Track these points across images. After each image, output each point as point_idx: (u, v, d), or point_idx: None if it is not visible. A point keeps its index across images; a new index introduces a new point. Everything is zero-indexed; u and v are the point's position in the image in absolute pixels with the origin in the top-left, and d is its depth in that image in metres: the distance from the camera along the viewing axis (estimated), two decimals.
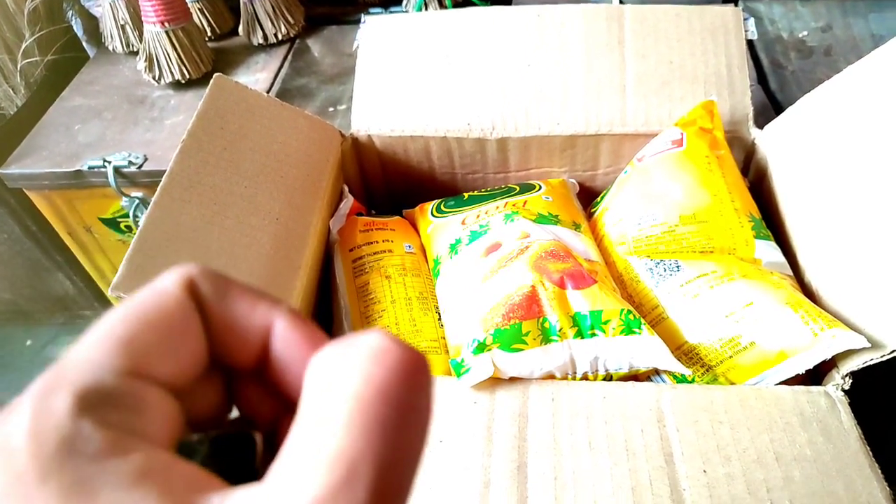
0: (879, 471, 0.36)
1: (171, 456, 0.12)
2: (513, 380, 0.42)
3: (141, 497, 0.11)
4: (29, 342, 1.14)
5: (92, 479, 0.11)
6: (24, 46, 0.88)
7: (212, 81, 0.52)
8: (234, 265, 0.45)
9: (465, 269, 0.50)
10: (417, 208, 0.61)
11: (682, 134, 0.54)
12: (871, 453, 0.37)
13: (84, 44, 0.99)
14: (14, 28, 0.88)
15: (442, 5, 0.88)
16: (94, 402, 0.12)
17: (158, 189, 0.45)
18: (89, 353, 0.13)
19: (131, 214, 0.77)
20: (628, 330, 0.42)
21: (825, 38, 0.79)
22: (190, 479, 0.12)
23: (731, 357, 0.43)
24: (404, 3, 0.91)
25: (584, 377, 0.43)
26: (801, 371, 0.41)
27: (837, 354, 0.41)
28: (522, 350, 0.42)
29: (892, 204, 0.42)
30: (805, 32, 0.80)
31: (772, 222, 0.54)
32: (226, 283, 0.15)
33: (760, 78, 0.74)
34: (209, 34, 0.90)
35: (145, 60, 0.81)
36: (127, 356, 0.13)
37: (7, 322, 1.15)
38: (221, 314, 0.15)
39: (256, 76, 0.84)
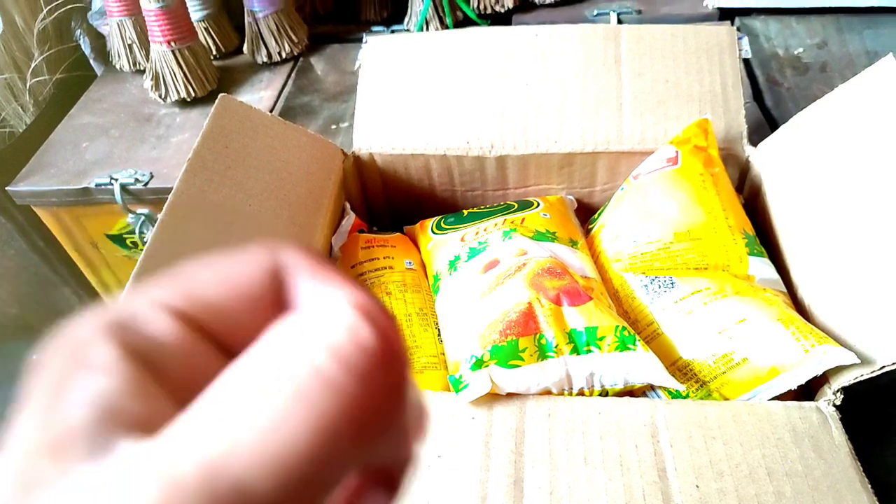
0: (869, 486, 0.37)
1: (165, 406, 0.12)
2: (510, 395, 0.43)
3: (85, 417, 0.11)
4: (35, 357, 1.15)
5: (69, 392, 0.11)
6: (33, 65, 0.89)
7: (217, 101, 0.53)
8: None
9: (463, 286, 0.51)
10: (418, 225, 0.62)
11: (676, 152, 0.55)
12: (861, 469, 0.38)
13: (91, 62, 1.01)
14: (23, 47, 0.90)
15: (443, 24, 0.89)
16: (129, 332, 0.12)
17: (165, 207, 0.46)
18: (153, 290, 0.13)
19: (137, 231, 0.78)
20: (623, 346, 0.43)
21: (820, 54, 0.80)
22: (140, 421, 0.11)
23: (724, 373, 0.43)
24: (406, 21, 0.92)
25: (580, 393, 0.44)
26: (793, 387, 0.41)
27: (829, 370, 0.41)
28: (519, 366, 0.43)
29: (884, 221, 0.43)
30: (801, 49, 0.81)
31: (766, 239, 0.54)
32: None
33: (756, 95, 0.75)
34: (214, 53, 0.92)
35: (152, 79, 0.83)
36: (189, 302, 0.13)
37: (13, 337, 1.16)
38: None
39: (261, 94, 0.86)
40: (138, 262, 0.43)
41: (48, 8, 0.89)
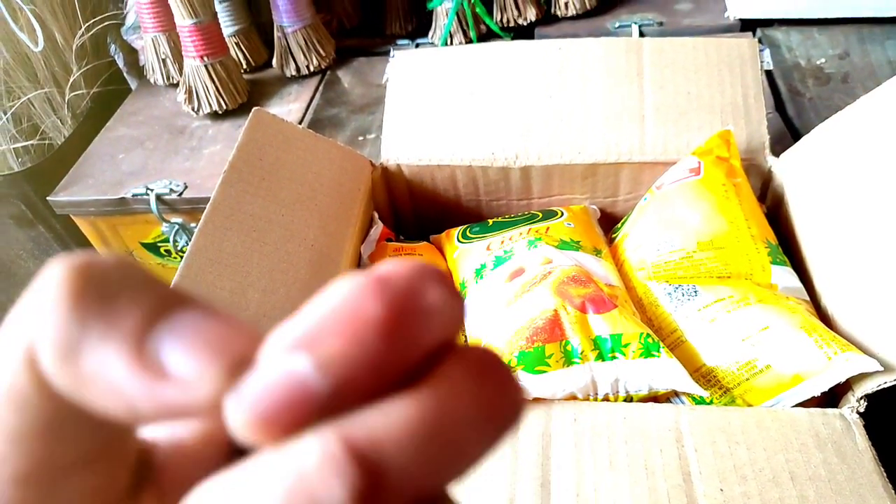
0: (893, 491, 0.37)
1: None
2: (536, 400, 0.44)
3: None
4: None
5: None
6: (71, 80, 0.93)
7: (251, 115, 0.55)
8: (272, 289, 0.48)
9: (489, 294, 0.52)
10: (444, 234, 0.64)
11: (699, 163, 0.56)
12: (885, 474, 0.38)
13: (126, 76, 1.04)
14: (62, 63, 0.93)
15: (467, 37, 0.91)
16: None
17: (202, 217, 0.48)
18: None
19: (171, 239, 0.81)
20: (647, 353, 0.44)
21: (842, 65, 0.80)
22: None
23: (747, 380, 0.44)
24: (430, 35, 0.94)
25: (605, 398, 0.45)
26: (816, 394, 0.42)
27: (852, 377, 0.42)
28: (546, 372, 0.44)
29: None
30: (822, 60, 0.81)
31: (788, 248, 0.55)
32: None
33: (778, 105, 0.76)
34: (245, 67, 0.94)
35: (185, 92, 0.86)
36: None
37: None
38: None
39: (289, 107, 0.88)
40: (179, 268, 0.45)
41: (86, 25, 0.92)
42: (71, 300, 0.10)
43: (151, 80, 0.94)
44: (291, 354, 0.10)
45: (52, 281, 0.11)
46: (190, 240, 0.47)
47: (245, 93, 0.88)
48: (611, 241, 0.61)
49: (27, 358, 0.10)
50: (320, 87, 0.92)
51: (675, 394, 0.46)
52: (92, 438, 0.12)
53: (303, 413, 0.10)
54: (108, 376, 0.10)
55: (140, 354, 0.10)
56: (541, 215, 0.60)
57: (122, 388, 0.10)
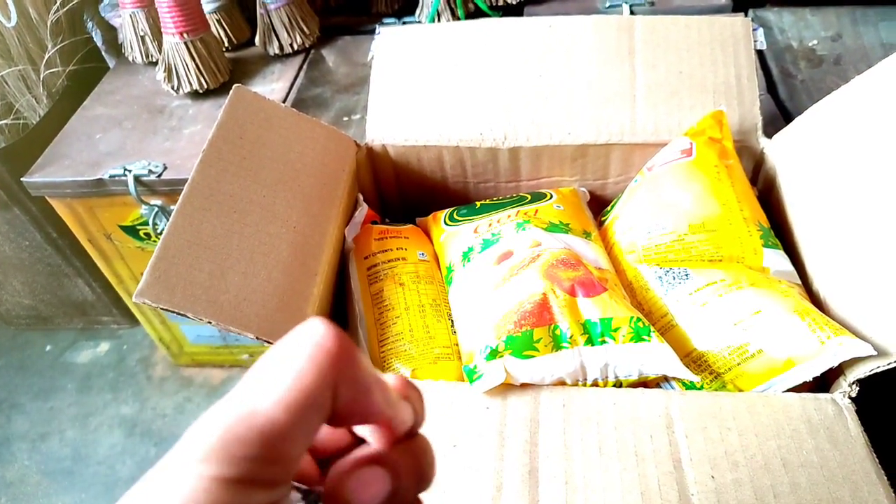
0: (885, 477, 0.37)
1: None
2: (524, 386, 0.43)
3: None
4: (49, 347, 1.16)
5: None
6: (46, 57, 0.90)
7: (231, 92, 0.53)
8: (253, 272, 0.46)
9: (477, 277, 0.51)
10: (431, 217, 0.62)
11: (691, 143, 0.55)
12: (877, 460, 0.38)
13: (104, 54, 1.01)
14: (37, 39, 0.90)
15: (455, 16, 0.89)
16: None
17: (180, 198, 0.46)
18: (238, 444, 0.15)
19: (150, 222, 0.79)
20: (637, 337, 0.43)
21: (835, 47, 0.79)
22: None
23: (739, 364, 0.43)
24: (417, 13, 0.92)
25: (595, 383, 0.44)
26: (809, 378, 0.41)
27: (844, 362, 0.41)
28: (534, 357, 0.43)
29: None
30: (815, 41, 0.80)
31: (781, 231, 0.54)
32: (364, 386, 0.17)
33: (770, 87, 0.75)
34: (226, 44, 0.92)
35: (164, 71, 0.83)
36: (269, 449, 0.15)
37: (27, 327, 1.18)
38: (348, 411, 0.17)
39: (272, 86, 0.86)
40: (155, 251, 0.43)
41: (61, 0, 0.89)
42: None
43: (130, 58, 0.91)
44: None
45: None
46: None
47: (227, 71, 0.86)
48: (601, 224, 0.60)
49: None
50: (304, 66, 0.90)
51: (666, 379, 0.45)
52: None
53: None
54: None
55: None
56: (529, 197, 0.59)
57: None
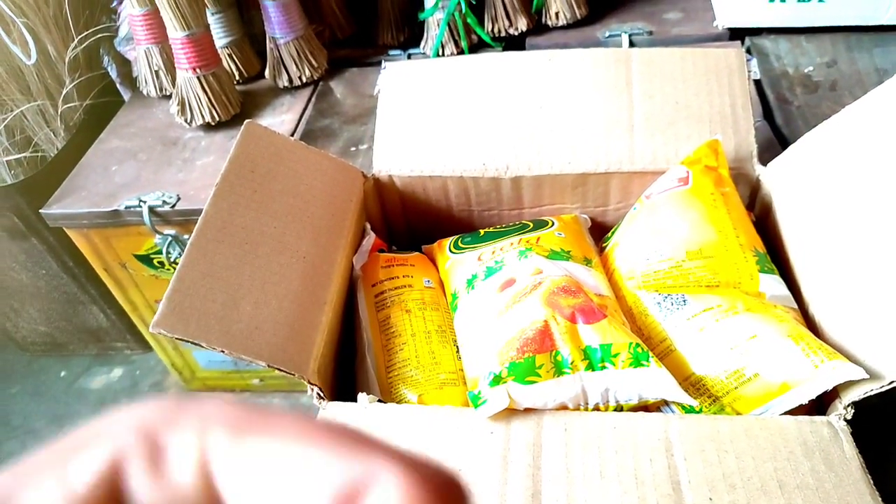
0: (880, 499, 0.38)
1: None
2: (527, 411, 0.44)
3: None
4: (63, 373, 1.18)
5: None
6: (64, 92, 0.93)
7: (243, 127, 0.55)
8: (264, 301, 0.48)
9: (481, 304, 0.52)
10: (436, 244, 0.64)
11: (687, 172, 0.56)
12: (872, 482, 0.38)
13: (119, 87, 1.05)
14: (55, 75, 0.93)
15: (458, 47, 0.92)
16: None
17: (195, 231, 0.48)
18: None
19: (164, 251, 0.81)
20: (637, 363, 0.44)
21: (830, 73, 0.81)
22: None
23: (736, 388, 0.44)
24: (422, 45, 0.95)
25: (596, 408, 0.45)
26: (804, 402, 0.42)
27: (839, 385, 0.42)
28: (536, 382, 0.44)
29: (893, 238, 0.44)
30: (810, 68, 0.82)
31: (777, 256, 0.55)
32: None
33: (766, 113, 0.76)
34: (237, 78, 0.95)
35: (178, 104, 0.86)
36: None
37: (43, 353, 1.20)
38: None
39: (282, 117, 0.89)
40: (171, 282, 0.45)
41: (79, 37, 0.93)
42: None
43: (144, 92, 0.94)
44: None
45: None
46: (183, 251, 0.47)
47: (238, 104, 0.89)
48: (602, 250, 0.61)
49: None
50: (313, 98, 0.92)
51: (665, 403, 0.46)
52: None
53: None
54: None
55: None
56: (531, 225, 0.61)
57: None
